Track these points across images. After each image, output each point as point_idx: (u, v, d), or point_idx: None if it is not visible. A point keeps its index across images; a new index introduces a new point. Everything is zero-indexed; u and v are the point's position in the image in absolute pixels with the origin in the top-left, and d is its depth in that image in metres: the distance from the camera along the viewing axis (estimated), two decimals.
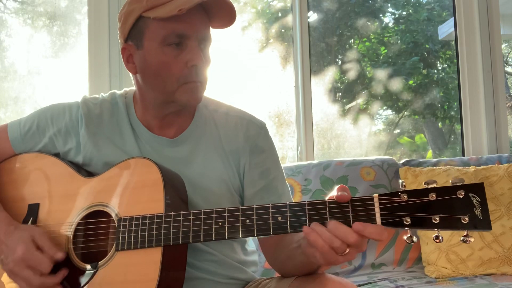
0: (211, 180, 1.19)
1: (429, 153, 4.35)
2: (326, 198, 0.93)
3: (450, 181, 0.88)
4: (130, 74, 1.22)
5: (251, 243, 1.36)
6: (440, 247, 1.85)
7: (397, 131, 4.23)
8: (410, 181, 1.97)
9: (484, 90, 2.48)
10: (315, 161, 2.14)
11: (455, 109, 3.88)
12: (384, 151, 3.94)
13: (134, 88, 1.27)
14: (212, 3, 1.12)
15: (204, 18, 1.15)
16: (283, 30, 3.13)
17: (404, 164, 2.13)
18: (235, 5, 1.16)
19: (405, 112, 4.15)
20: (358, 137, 3.70)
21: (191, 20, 1.11)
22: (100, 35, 2.17)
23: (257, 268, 1.33)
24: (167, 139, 1.22)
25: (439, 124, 4.21)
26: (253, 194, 1.21)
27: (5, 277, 1.12)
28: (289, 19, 2.71)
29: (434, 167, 2.02)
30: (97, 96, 1.30)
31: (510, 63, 4.82)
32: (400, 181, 0.92)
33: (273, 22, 3.43)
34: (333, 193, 0.92)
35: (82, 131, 1.22)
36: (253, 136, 1.23)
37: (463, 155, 2.52)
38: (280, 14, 3.51)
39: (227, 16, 1.15)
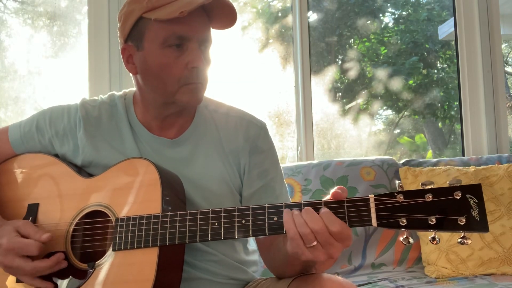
0: (211, 180, 1.19)
1: (429, 153, 4.35)
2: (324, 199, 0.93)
3: (448, 182, 0.87)
4: (131, 75, 1.22)
5: (252, 242, 1.36)
6: (440, 247, 1.85)
7: (397, 131, 4.23)
8: (410, 181, 1.97)
9: (484, 90, 2.48)
10: (315, 161, 2.14)
11: (455, 109, 3.88)
12: (384, 151, 3.94)
13: (133, 89, 1.27)
14: (213, 5, 1.12)
15: (204, 20, 1.14)
16: (283, 30, 3.13)
17: (404, 164, 2.13)
18: (234, 4, 1.16)
19: (405, 112, 4.15)
20: (358, 137, 3.70)
21: (191, 22, 1.11)
22: (100, 35, 2.17)
23: (257, 268, 1.33)
24: (168, 139, 1.22)
25: (439, 124, 4.21)
26: (251, 195, 1.21)
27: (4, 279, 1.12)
28: (289, 19, 2.71)
29: (434, 167, 2.02)
30: (96, 98, 1.30)
31: (510, 63, 4.82)
32: (397, 182, 0.92)
33: (273, 22, 3.43)
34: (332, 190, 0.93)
35: (80, 134, 1.22)
36: (253, 136, 1.23)
37: (463, 155, 2.52)
38: (280, 14, 3.51)
39: (228, 18, 1.15)
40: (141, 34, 1.14)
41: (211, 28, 1.17)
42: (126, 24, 1.16)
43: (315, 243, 0.89)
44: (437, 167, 2.01)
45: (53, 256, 1.07)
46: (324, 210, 0.90)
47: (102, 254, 1.08)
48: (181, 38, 1.11)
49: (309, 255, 0.90)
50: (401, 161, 2.16)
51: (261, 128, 1.26)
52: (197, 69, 1.12)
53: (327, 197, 0.93)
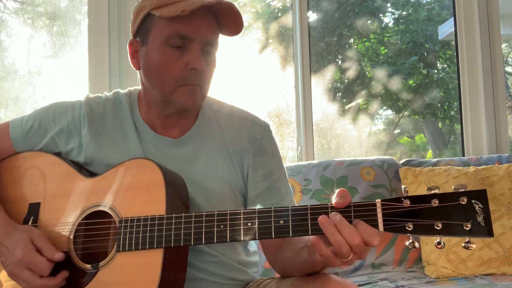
0: (214, 180, 1.19)
1: (429, 153, 4.35)
2: (332, 202, 0.93)
3: (453, 187, 0.87)
4: (138, 72, 1.23)
5: (253, 243, 1.36)
6: None
7: (397, 131, 4.23)
8: (410, 181, 1.97)
9: (484, 90, 2.48)
10: (315, 161, 2.14)
11: (455, 109, 3.88)
12: (384, 151, 3.94)
13: (139, 87, 1.27)
14: (219, 9, 1.12)
15: (211, 23, 1.15)
16: (282, 30, 3.13)
17: (404, 164, 2.13)
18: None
19: (405, 112, 4.15)
20: (358, 137, 3.70)
21: (196, 23, 1.11)
22: (100, 35, 2.17)
23: (258, 268, 1.34)
24: (171, 139, 1.22)
25: (439, 124, 4.21)
26: (256, 196, 1.21)
27: (5, 277, 1.12)
28: (288, 19, 2.71)
29: (434, 167, 2.02)
30: (100, 95, 1.29)
31: (510, 63, 4.83)
32: (403, 186, 0.91)
33: (273, 22, 3.44)
34: (334, 197, 0.92)
35: (84, 130, 1.22)
36: (257, 137, 1.23)
37: (463, 155, 2.52)
38: (280, 14, 3.51)
39: (234, 24, 1.15)
40: (147, 30, 1.15)
41: (220, 34, 1.17)
42: (136, 19, 1.17)
43: (351, 256, 0.89)
44: (437, 167, 2.01)
45: (59, 274, 1.07)
46: (357, 222, 0.89)
47: (105, 255, 1.08)
48: (183, 38, 1.11)
49: (343, 265, 0.91)
50: (401, 161, 2.16)
51: (265, 129, 1.26)
52: (196, 71, 1.12)
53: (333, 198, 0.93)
